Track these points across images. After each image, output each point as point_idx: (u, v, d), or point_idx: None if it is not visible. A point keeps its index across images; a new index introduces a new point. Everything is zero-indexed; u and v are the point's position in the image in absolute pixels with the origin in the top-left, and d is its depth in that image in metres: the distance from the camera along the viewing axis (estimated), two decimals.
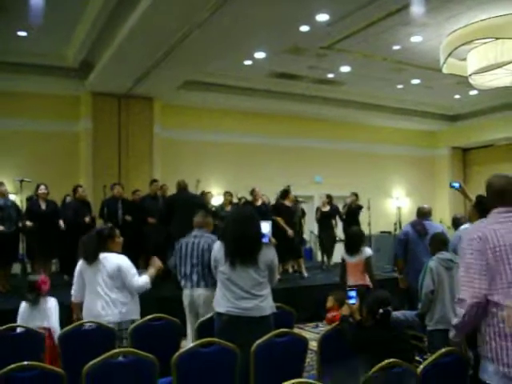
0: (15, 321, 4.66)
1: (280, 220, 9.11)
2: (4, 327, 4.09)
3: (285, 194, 9.60)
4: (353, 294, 3.90)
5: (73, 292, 4.67)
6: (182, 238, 5.45)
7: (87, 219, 8.73)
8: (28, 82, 11.12)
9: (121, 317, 4.35)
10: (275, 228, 9.24)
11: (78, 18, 9.19)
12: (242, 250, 3.97)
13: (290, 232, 9.09)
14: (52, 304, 4.81)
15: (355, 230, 6.78)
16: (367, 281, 6.20)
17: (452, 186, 5.77)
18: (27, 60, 10.76)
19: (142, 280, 4.46)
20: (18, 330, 4.29)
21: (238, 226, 4.04)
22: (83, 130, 11.98)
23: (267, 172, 13.59)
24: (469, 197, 5.72)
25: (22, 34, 9.79)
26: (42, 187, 8.46)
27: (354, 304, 3.87)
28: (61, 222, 8.58)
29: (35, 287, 4.77)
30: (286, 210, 9.41)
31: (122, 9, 8.31)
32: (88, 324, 4.20)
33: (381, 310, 3.57)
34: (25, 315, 4.69)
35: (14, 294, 7.41)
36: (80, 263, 4.59)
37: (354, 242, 6.28)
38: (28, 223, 8.17)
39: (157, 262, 4.71)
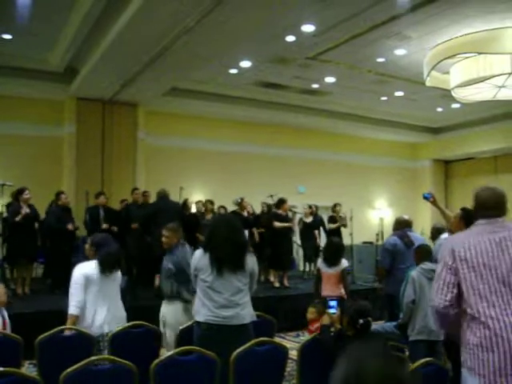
0: None
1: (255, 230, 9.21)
2: None
3: (280, 203, 9.57)
4: (333, 303, 3.91)
5: (76, 304, 4.28)
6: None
7: (70, 226, 8.67)
8: (12, 85, 11.04)
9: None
10: (270, 238, 9.37)
11: (64, 22, 9.13)
12: (232, 257, 3.95)
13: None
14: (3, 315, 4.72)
15: (336, 242, 6.80)
16: (342, 292, 6.22)
17: (425, 197, 5.82)
18: (11, 63, 10.68)
19: None
20: None
21: (229, 234, 4.01)
22: (67, 135, 11.90)
23: (251, 181, 13.61)
24: (440, 208, 5.76)
25: (7, 36, 9.71)
26: (27, 192, 8.36)
27: (334, 314, 3.88)
28: (69, 226, 8.64)
29: None
30: (280, 220, 9.43)
31: (109, 14, 8.29)
32: (67, 330, 4.16)
33: (361, 321, 3.59)
34: None
35: None
36: (90, 273, 4.40)
37: (334, 253, 6.30)
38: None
39: None
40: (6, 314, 4.72)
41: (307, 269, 11.44)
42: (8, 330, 4.58)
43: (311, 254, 11.22)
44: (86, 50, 9.86)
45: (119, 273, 4.62)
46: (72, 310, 4.26)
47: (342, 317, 3.78)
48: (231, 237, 4.00)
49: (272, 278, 9.76)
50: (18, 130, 11.50)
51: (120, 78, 10.43)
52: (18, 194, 8.37)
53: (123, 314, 4.55)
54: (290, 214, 10.07)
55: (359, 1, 8.10)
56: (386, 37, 9.58)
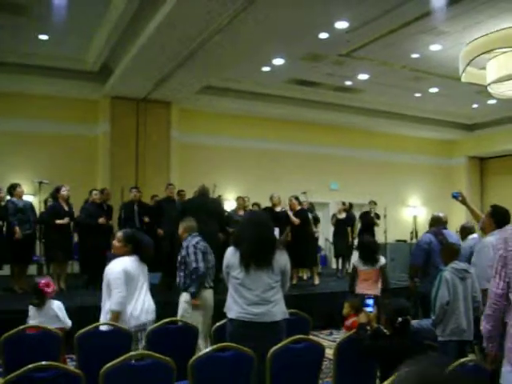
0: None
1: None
2: (21, 327, 4.12)
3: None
4: (370, 302, 3.88)
5: (120, 300, 4.34)
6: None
7: (101, 220, 8.79)
8: (47, 85, 11.28)
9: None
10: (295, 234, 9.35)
11: (99, 22, 9.29)
12: (259, 253, 3.97)
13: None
14: (57, 306, 4.82)
15: (370, 239, 6.75)
16: (377, 290, 6.17)
17: (453, 196, 5.74)
18: (47, 63, 10.91)
19: None
20: (33, 330, 4.28)
21: (256, 230, 4.04)
22: (101, 134, 12.11)
23: (284, 178, 13.60)
24: (470, 207, 5.67)
25: (44, 37, 9.91)
26: (65, 189, 8.50)
27: (371, 312, 3.85)
28: (101, 220, 8.78)
29: (37, 291, 4.78)
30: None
31: (143, 14, 8.39)
32: (104, 325, 4.23)
33: (400, 319, 3.56)
34: (31, 318, 4.72)
35: (29, 295, 7.45)
36: (128, 268, 4.50)
37: (371, 250, 6.24)
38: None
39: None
40: (54, 305, 4.81)
41: (340, 266, 11.37)
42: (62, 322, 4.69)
43: (343, 251, 11.16)
44: (121, 50, 9.98)
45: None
46: (115, 306, 4.32)
47: (380, 315, 3.75)
48: (258, 233, 4.00)
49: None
50: (53, 129, 11.73)
51: (154, 76, 10.53)
52: (56, 192, 8.52)
53: (153, 305, 4.66)
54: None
55: None
56: (421, 32, 9.46)
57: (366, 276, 6.15)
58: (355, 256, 11.01)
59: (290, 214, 9.36)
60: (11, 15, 8.90)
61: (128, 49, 9.62)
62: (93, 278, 8.62)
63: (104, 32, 9.58)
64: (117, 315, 4.32)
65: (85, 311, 6.20)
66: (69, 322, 4.77)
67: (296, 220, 9.25)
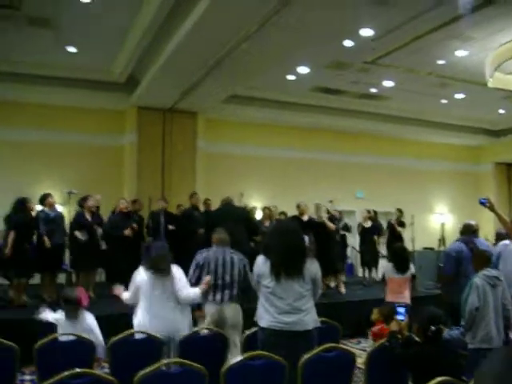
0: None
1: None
2: (56, 335, 4.19)
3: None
4: (402, 310, 3.86)
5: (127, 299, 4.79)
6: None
7: (127, 232, 8.82)
8: (76, 96, 11.48)
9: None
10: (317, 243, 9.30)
11: (126, 33, 9.43)
12: (288, 262, 3.96)
13: None
14: (92, 320, 4.87)
15: (403, 247, 6.71)
16: (407, 299, 6.12)
17: (481, 203, 5.67)
18: (75, 75, 11.10)
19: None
20: (66, 338, 4.32)
21: (284, 239, 4.04)
22: (128, 144, 12.25)
23: (309, 186, 13.56)
24: (498, 213, 5.60)
25: (71, 49, 10.09)
26: (92, 199, 8.61)
27: (402, 320, 3.82)
28: (126, 231, 8.79)
29: (74, 303, 4.83)
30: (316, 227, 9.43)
31: (169, 25, 8.48)
32: (137, 334, 4.27)
33: (433, 328, 3.53)
34: (61, 328, 4.75)
35: (59, 303, 7.55)
36: (143, 277, 4.68)
37: (403, 258, 6.22)
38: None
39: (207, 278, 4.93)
40: (88, 319, 4.87)
41: (366, 275, 11.30)
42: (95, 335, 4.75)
43: (370, 259, 11.10)
44: (147, 61, 10.10)
45: (171, 275, 4.73)
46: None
47: (412, 323, 3.72)
48: (288, 242, 4.01)
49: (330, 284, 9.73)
50: (81, 139, 11.92)
51: (180, 86, 10.63)
52: (82, 201, 8.64)
53: (175, 317, 4.63)
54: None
55: (419, 3, 7.95)
56: (447, 38, 9.40)
57: (397, 284, 6.12)
58: (382, 264, 11.02)
59: (326, 219, 9.33)
60: (39, 28, 9.09)
61: (155, 59, 9.73)
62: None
63: (131, 43, 9.72)
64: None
65: (114, 319, 6.26)
66: (102, 342, 4.79)
67: (332, 225, 9.23)
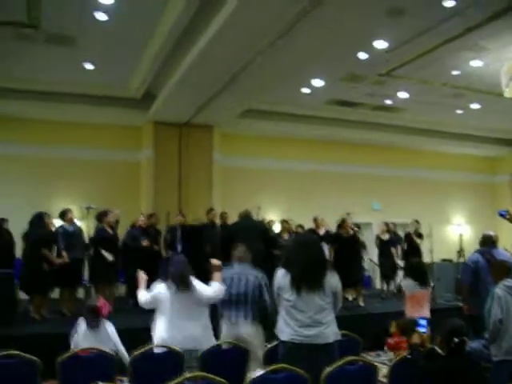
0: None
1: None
2: (79, 349, 4.22)
3: (341, 224, 9.55)
4: (424, 322, 3.84)
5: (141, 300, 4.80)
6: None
7: (144, 242, 8.94)
8: (93, 113, 11.65)
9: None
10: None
11: (142, 50, 9.52)
12: (309, 275, 3.97)
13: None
14: (113, 329, 4.91)
15: (420, 261, 6.70)
16: (427, 313, 6.08)
17: (500, 215, 5.63)
18: (92, 91, 11.24)
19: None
20: (87, 352, 4.33)
21: (305, 252, 4.05)
22: (145, 159, 12.36)
23: (326, 199, 13.56)
24: None
25: (89, 66, 10.21)
26: (112, 214, 8.70)
27: (424, 333, 3.80)
28: (144, 242, 8.95)
29: (96, 312, 4.86)
30: (343, 241, 9.38)
31: (185, 41, 8.58)
32: (158, 348, 4.29)
33: (456, 339, 3.50)
34: (83, 338, 4.79)
35: (79, 317, 7.59)
36: (167, 288, 4.72)
37: (424, 272, 6.21)
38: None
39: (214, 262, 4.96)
40: (108, 327, 4.90)
41: (384, 287, 11.24)
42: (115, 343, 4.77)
43: (388, 272, 11.04)
44: (164, 76, 10.20)
45: (195, 290, 4.73)
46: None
47: (434, 336, 3.70)
48: (308, 255, 4.01)
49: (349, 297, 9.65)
50: (99, 155, 12.07)
51: (196, 101, 10.72)
52: (102, 216, 8.70)
53: (197, 331, 4.64)
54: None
55: (433, 15, 7.96)
56: (461, 49, 9.39)
57: (418, 299, 6.09)
58: (400, 277, 10.95)
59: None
60: (58, 46, 9.23)
61: (171, 75, 9.83)
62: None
63: (147, 59, 9.82)
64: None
65: (134, 333, 6.27)
66: (124, 351, 4.81)
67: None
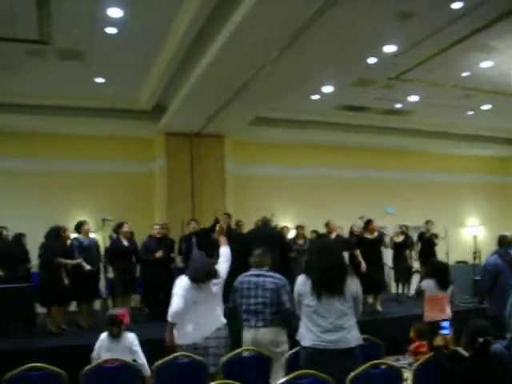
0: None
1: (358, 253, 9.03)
2: (100, 361, 4.24)
3: (366, 224, 9.48)
4: (446, 324, 3.82)
5: (173, 312, 4.74)
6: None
7: (158, 254, 8.92)
8: (105, 125, 11.75)
9: None
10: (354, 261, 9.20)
11: (152, 62, 9.59)
12: (329, 280, 3.97)
13: (363, 266, 8.95)
14: (134, 339, 4.93)
15: (444, 263, 6.66)
16: (448, 315, 6.04)
17: None
18: (104, 105, 11.35)
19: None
20: (111, 363, 4.33)
21: (324, 257, 4.05)
22: (158, 170, 12.43)
23: (339, 203, 13.54)
24: None
25: (99, 80, 10.31)
26: (126, 226, 8.75)
27: (447, 335, 3.78)
28: (157, 254, 8.92)
29: (117, 321, 4.88)
30: (366, 243, 9.32)
31: (194, 52, 8.62)
32: (181, 357, 4.30)
33: (480, 339, 3.48)
34: (104, 348, 4.81)
35: (96, 329, 7.62)
36: (184, 285, 4.82)
37: (447, 274, 6.18)
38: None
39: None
40: (130, 337, 4.92)
41: (400, 291, 11.17)
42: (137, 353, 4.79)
43: (403, 275, 10.98)
44: (173, 88, 10.26)
45: (214, 286, 4.87)
46: (168, 316, 4.74)
47: (458, 337, 3.68)
48: (328, 261, 4.01)
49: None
50: (112, 167, 12.17)
51: (206, 112, 10.77)
52: (118, 228, 8.78)
53: (212, 327, 4.78)
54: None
55: (441, 17, 7.97)
56: (471, 50, 9.37)
57: (439, 301, 6.06)
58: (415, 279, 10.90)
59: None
60: (69, 61, 9.32)
61: (180, 87, 9.90)
62: (155, 312, 8.78)
63: (157, 71, 9.87)
64: (169, 326, 4.76)
65: (152, 345, 6.28)
66: (145, 362, 4.83)
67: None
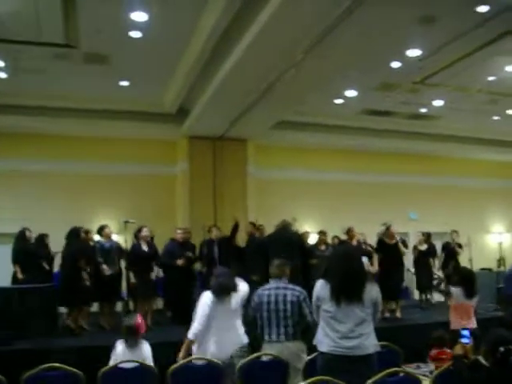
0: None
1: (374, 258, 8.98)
2: (116, 363, 4.27)
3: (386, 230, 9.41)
4: (466, 333, 3.76)
5: (195, 331, 4.75)
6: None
7: (179, 261, 8.93)
8: (129, 128, 11.86)
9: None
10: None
11: (176, 65, 9.66)
12: (348, 286, 3.94)
13: (375, 269, 8.91)
14: (148, 349, 4.95)
15: (471, 271, 6.58)
16: (473, 323, 5.96)
17: None
18: (128, 108, 11.47)
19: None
20: (128, 365, 4.42)
21: (344, 263, 4.02)
22: (180, 173, 12.49)
23: (361, 209, 13.44)
24: None
25: (124, 83, 10.42)
26: (145, 230, 8.80)
27: (467, 344, 3.72)
28: (179, 261, 8.92)
29: (134, 330, 4.92)
30: (386, 248, 9.24)
31: (217, 56, 8.66)
32: (197, 360, 4.31)
33: (502, 349, 3.41)
34: (120, 356, 4.83)
35: (117, 331, 7.67)
36: (207, 301, 4.84)
37: (475, 283, 6.10)
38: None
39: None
40: (145, 348, 4.95)
41: (423, 297, 11.05)
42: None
43: (425, 283, 10.86)
44: (196, 92, 10.31)
45: (234, 301, 4.89)
46: (189, 334, 4.73)
47: (479, 346, 3.62)
48: (347, 267, 3.98)
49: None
50: (135, 170, 12.25)
51: (229, 115, 10.81)
52: (137, 232, 8.86)
53: (233, 345, 4.78)
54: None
55: (466, 20, 7.88)
56: (497, 54, 9.25)
57: (465, 309, 5.99)
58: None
59: (400, 244, 9.19)
60: (95, 65, 9.45)
61: (203, 91, 9.94)
62: (177, 314, 8.82)
63: (181, 74, 9.94)
64: (188, 343, 4.71)
65: (172, 347, 6.30)
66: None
67: (405, 250, 9.07)
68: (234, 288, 4.93)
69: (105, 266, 8.40)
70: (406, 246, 9.83)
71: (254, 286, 5.46)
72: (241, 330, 4.94)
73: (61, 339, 7.43)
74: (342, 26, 6.93)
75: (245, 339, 4.91)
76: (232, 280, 5.00)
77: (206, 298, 4.86)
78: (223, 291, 4.84)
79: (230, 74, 8.65)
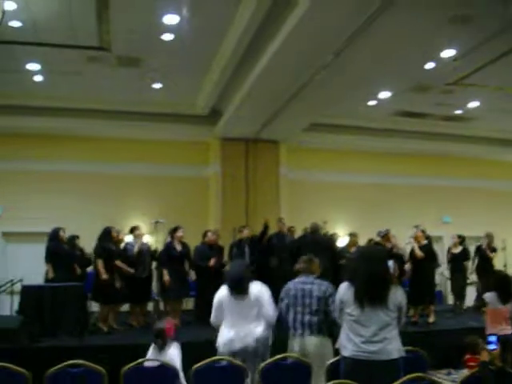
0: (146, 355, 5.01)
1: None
2: (140, 361, 4.32)
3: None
4: (493, 339, 3.67)
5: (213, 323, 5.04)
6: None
7: (211, 262, 8.96)
8: (162, 130, 11.99)
9: None
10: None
11: (208, 67, 9.73)
12: (371, 289, 3.88)
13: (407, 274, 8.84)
14: (176, 351, 5.04)
15: (507, 275, 6.43)
16: (509, 329, 5.81)
17: None
18: (161, 110, 11.60)
19: None
20: (151, 364, 4.52)
21: (367, 266, 3.96)
22: (212, 174, 12.54)
23: (394, 212, 13.27)
24: None
25: (157, 86, 10.54)
26: (181, 230, 8.90)
27: (494, 350, 3.63)
28: (211, 262, 8.96)
29: (162, 334, 5.03)
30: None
31: (249, 57, 8.69)
32: (220, 360, 4.33)
33: None
34: (149, 357, 4.94)
35: (147, 329, 7.76)
36: (222, 295, 4.96)
37: (510, 287, 5.96)
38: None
39: None
40: (174, 351, 5.03)
41: (457, 303, 10.83)
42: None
43: (459, 287, 10.64)
44: (229, 93, 10.37)
45: (251, 295, 4.88)
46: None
47: (506, 353, 3.53)
48: (371, 270, 3.93)
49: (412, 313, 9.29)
50: (167, 171, 12.35)
51: (261, 117, 10.81)
52: (172, 232, 8.93)
53: (250, 339, 4.78)
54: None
55: (501, 19, 7.70)
56: None
57: (501, 315, 5.86)
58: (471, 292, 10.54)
59: (416, 246, 9.06)
60: (127, 67, 9.59)
61: (235, 92, 9.98)
62: (206, 315, 8.83)
63: (213, 76, 10.01)
64: None
65: (199, 347, 6.34)
66: (181, 374, 4.92)
67: (420, 253, 8.91)
68: (244, 280, 4.91)
69: (132, 270, 8.53)
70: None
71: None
72: (257, 323, 4.86)
73: (90, 337, 7.54)
74: (373, 26, 6.83)
75: (260, 331, 4.85)
76: (243, 272, 5.01)
77: (220, 292, 5.01)
78: (235, 284, 4.89)
79: (261, 76, 8.66)
